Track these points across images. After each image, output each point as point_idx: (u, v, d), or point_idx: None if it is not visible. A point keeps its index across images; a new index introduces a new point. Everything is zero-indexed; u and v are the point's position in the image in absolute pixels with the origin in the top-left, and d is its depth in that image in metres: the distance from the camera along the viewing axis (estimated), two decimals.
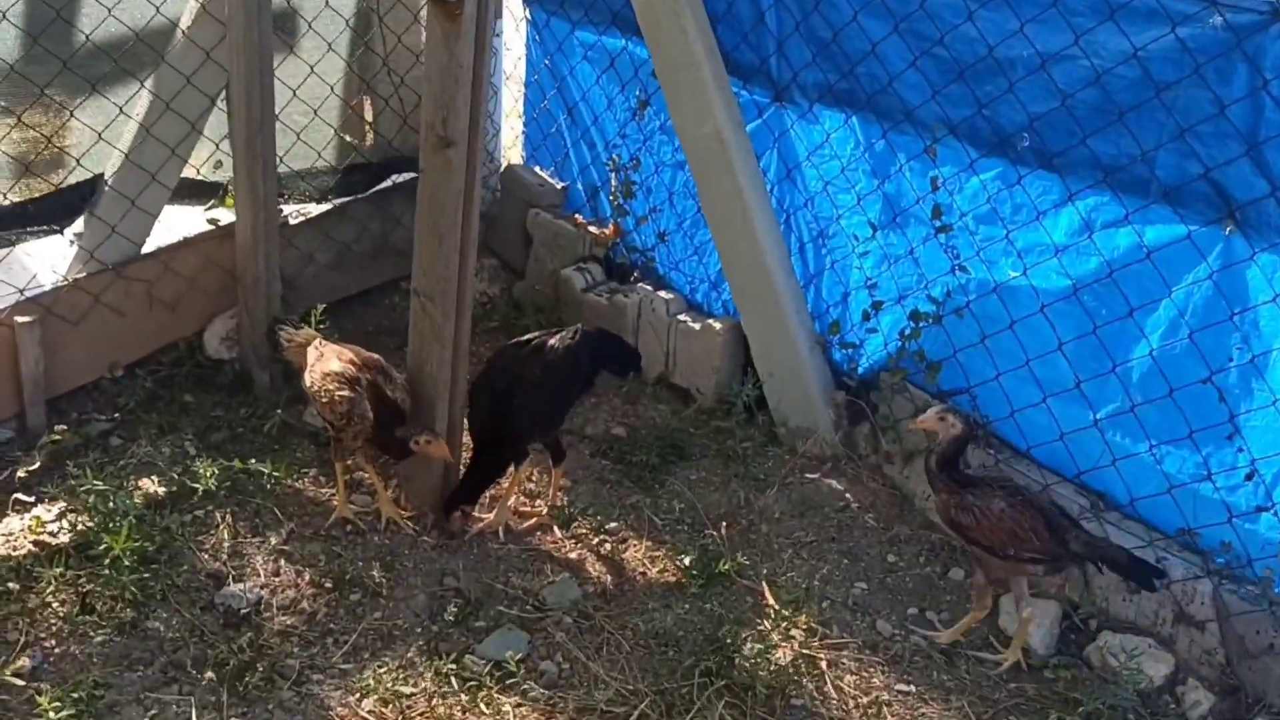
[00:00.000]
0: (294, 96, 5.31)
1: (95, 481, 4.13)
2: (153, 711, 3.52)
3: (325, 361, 4.30)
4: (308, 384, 4.35)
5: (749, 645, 3.83)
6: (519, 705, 3.63)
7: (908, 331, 4.53)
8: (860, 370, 4.86)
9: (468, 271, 4.23)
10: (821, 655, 3.83)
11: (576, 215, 5.92)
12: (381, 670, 3.76)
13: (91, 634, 3.76)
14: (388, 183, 5.92)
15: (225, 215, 5.34)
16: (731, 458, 4.91)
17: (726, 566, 4.14)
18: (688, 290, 5.52)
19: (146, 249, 5.10)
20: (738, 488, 4.72)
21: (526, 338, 4.34)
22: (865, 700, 3.70)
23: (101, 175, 4.95)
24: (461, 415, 4.42)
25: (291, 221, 5.52)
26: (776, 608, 4.05)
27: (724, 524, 4.40)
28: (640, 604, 4.12)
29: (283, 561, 4.19)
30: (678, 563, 4.29)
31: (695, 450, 4.96)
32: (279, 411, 4.92)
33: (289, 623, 3.94)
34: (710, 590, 4.10)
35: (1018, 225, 4.22)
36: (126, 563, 3.87)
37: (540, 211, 5.92)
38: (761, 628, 3.98)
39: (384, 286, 5.97)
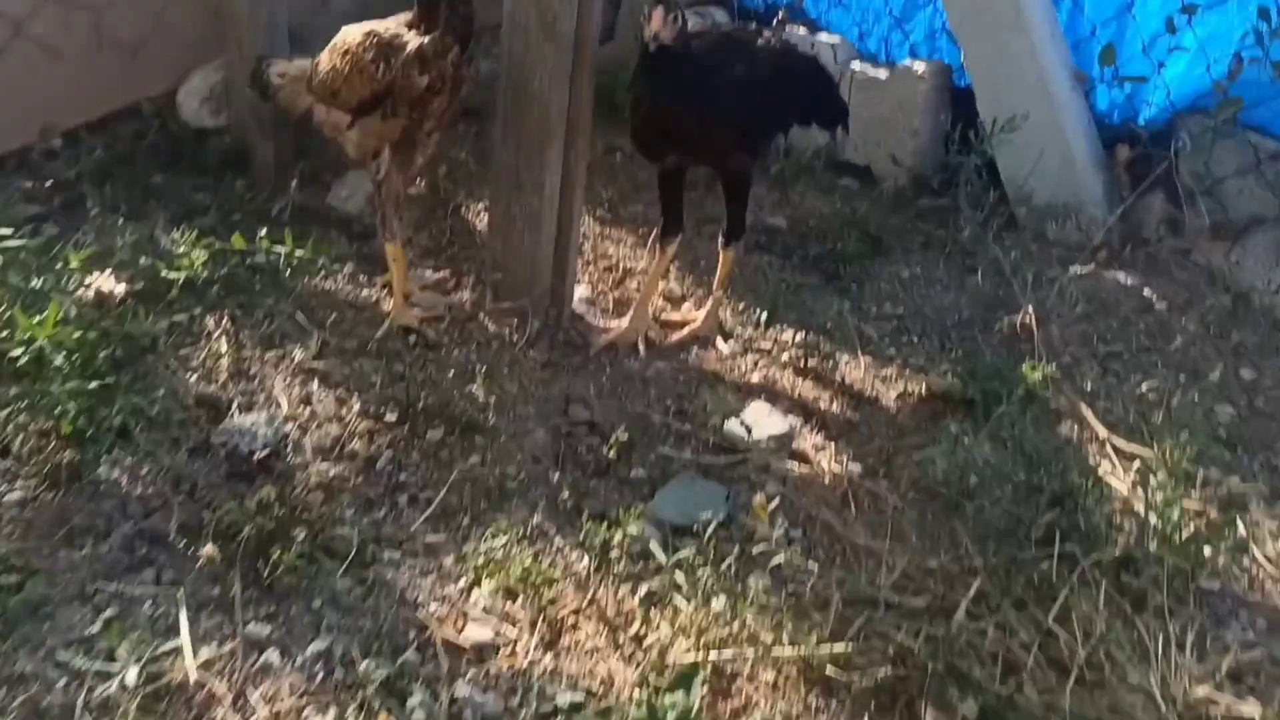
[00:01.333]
0: None
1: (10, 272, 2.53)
2: (110, 612, 2.01)
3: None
4: (320, 77, 2.80)
5: (1094, 497, 2.34)
6: (747, 597, 2.12)
7: (1259, 35, 2.96)
8: (1146, 116, 3.31)
9: None
10: (1227, 516, 2.32)
11: None
12: (497, 541, 2.26)
13: (5, 488, 2.23)
14: None
15: None
16: (952, 250, 3.38)
17: (1037, 376, 2.62)
18: (855, 36, 3.94)
19: None
20: (979, 285, 3.19)
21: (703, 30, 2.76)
22: None
23: None
24: (584, 159, 2.86)
25: None
26: (1114, 442, 2.56)
27: (1009, 320, 2.88)
28: (887, 439, 2.62)
29: (315, 385, 2.66)
30: (930, 383, 2.78)
31: (897, 242, 3.42)
32: (294, 187, 3.34)
33: (333, 473, 2.42)
34: (997, 417, 2.58)
35: None
36: (59, 364, 2.30)
37: None
38: (1106, 471, 2.48)
39: None
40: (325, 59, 2.77)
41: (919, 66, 3.61)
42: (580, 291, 3.10)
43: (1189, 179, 3.18)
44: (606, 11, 4.49)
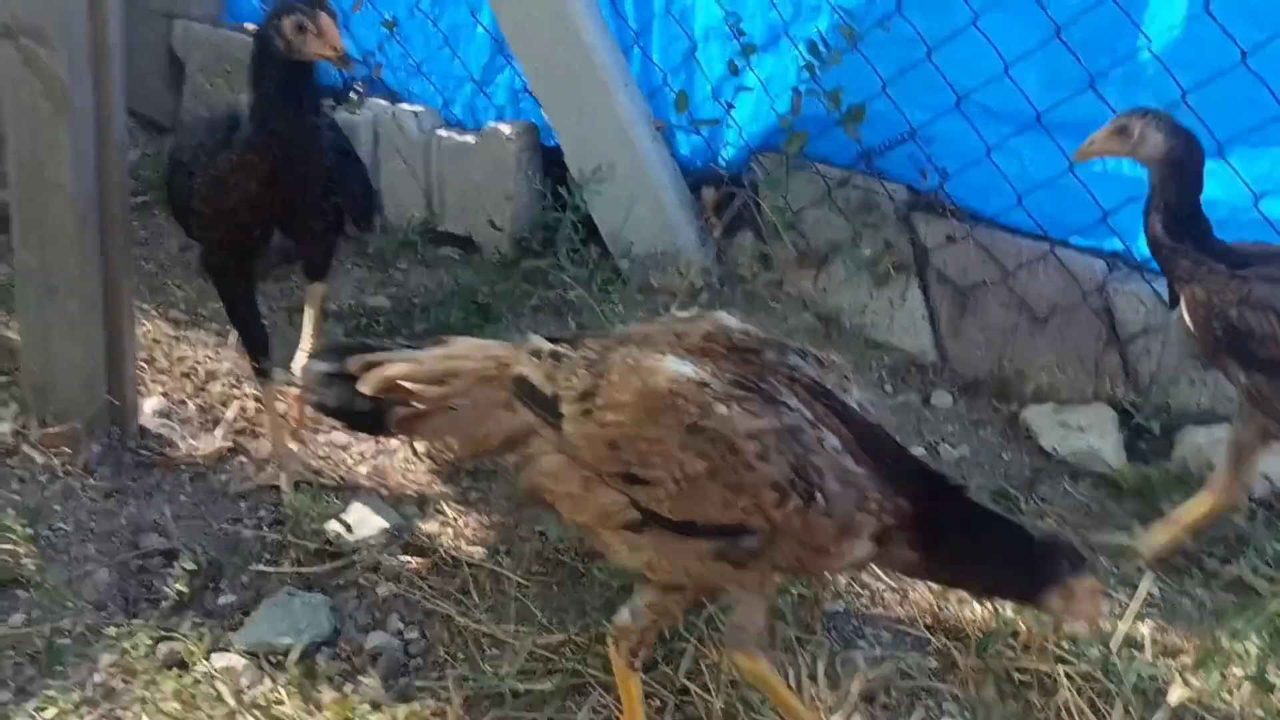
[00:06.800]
0: None
1: None
2: None
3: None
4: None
5: None
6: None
7: (811, 70, 3.06)
8: (726, 158, 3.37)
9: None
10: None
11: (246, 26, 4.04)
12: (48, 715, 1.87)
13: None
14: None
15: None
16: (561, 310, 3.29)
17: None
18: (439, 102, 3.82)
19: None
20: None
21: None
22: None
23: None
24: (127, 252, 2.52)
25: None
26: None
27: None
28: (507, 513, 2.44)
29: None
30: None
31: (507, 308, 3.29)
32: None
33: None
34: None
35: None
36: None
37: (190, 24, 4.00)
38: None
39: None
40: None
41: (506, 128, 3.53)
42: (151, 404, 2.73)
43: (771, 214, 3.25)
44: (169, 99, 4.17)
